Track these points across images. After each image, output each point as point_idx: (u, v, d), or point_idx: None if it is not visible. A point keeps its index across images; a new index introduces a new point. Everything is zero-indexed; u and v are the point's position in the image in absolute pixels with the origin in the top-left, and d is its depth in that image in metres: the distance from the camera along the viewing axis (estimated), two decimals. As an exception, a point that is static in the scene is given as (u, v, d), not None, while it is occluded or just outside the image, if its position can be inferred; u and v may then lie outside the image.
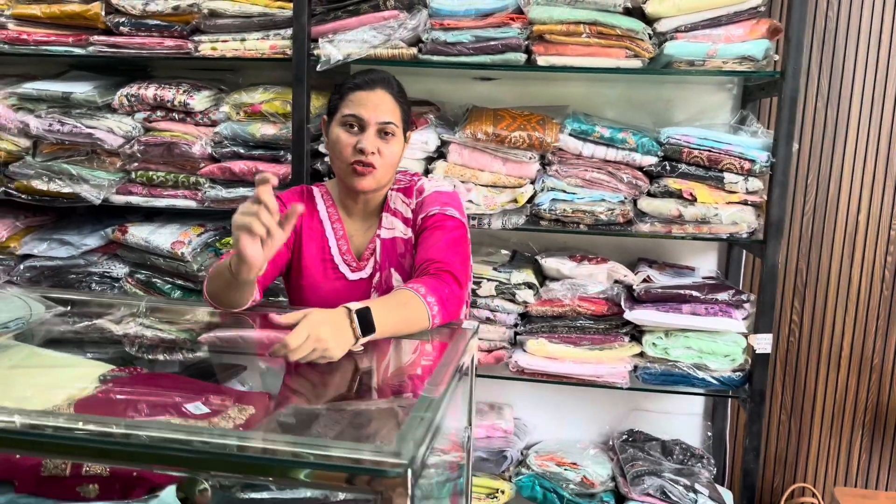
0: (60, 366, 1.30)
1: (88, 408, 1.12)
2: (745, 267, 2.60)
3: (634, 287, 2.31)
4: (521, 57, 2.21)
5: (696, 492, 2.27)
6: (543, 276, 2.47)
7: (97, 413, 1.11)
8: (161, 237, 2.39)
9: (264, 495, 1.13)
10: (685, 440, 2.55)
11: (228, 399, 1.18)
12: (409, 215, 1.65)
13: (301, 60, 2.24)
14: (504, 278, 2.36)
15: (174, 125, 2.37)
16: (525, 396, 2.69)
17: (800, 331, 2.65)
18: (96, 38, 2.36)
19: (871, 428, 2.65)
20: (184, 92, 2.34)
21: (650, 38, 2.19)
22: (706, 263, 2.60)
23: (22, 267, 2.47)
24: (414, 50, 2.24)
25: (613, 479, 2.42)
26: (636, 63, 2.19)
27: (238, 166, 2.32)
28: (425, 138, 2.31)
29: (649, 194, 2.29)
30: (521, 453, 2.55)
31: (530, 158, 2.30)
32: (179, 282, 2.44)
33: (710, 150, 2.21)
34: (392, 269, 1.63)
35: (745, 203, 2.23)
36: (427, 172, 2.35)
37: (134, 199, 2.43)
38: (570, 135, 2.27)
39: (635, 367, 2.33)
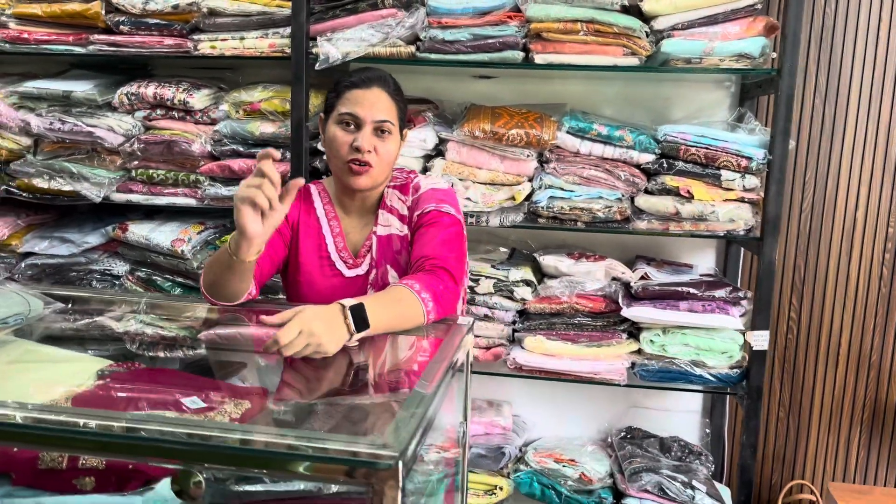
0: (58, 361, 1.31)
1: (86, 402, 1.14)
2: (744, 264, 2.61)
3: (632, 284, 2.32)
4: (518, 55, 2.22)
5: (693, 488, 2.28)
6: (542, 274, 2.47)
7: (94, 407, 1.12)
8: (161, 235, 2.40)
9: (258, 488, 1.14)
10: (684, 437, 2.56)
11: (224, 394, 1.19)
12: (406, 212, 1.66)
13: (299, 59, 2.25)
14: (502, 276, 2.37)
15: (174, 123, 2.39)
16: (524, 394, 2.70)
17: (798, 328, 2.66)
18: (96, 36, 2.37)
19: (870, 425, 2.66)
20: (183, 90, 2.36)
21: (647, 35, 2.19)
22: (704, 261, 2.61)
23: (23, 265, 2.49)
24: (412, 48, 2.25)
25: (611, 475, 2.43)
26: (633, 61, 2.20)
27: (237, 164, 2.34)
28: (423, 136, 2.32)
29: (646, 192, 2.30)
30: (520, 450, 2.56)
31: (528, 156, 2.31)
32: (180, 279, 2.45)
33: (707, 148, 2.21)
34: (388, 266, 1.64)
35: (741, 200, 2.24)
36: (425, 170, 2.36)
37: (134, 198, 2.44)
38: (568, 132, 2.28)
39: (633, 364, 2.34)
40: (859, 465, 2.69)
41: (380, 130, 1.58)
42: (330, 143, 1.60)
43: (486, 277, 2.37)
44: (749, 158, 2.19)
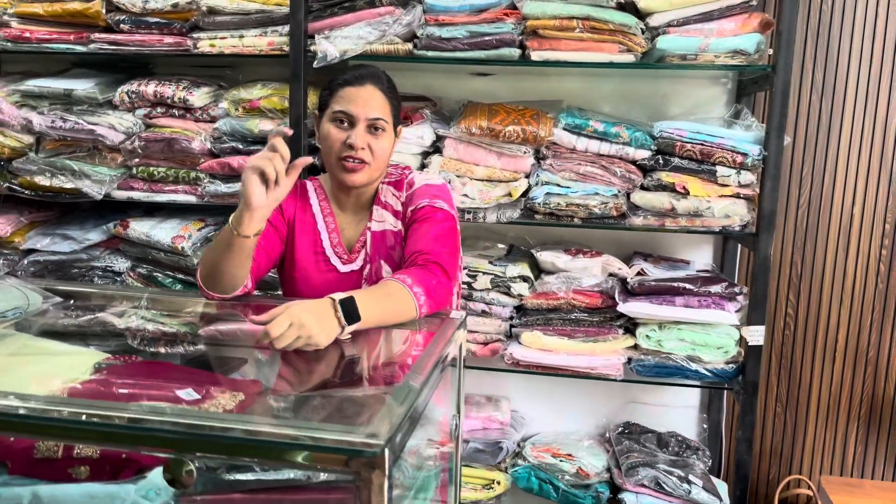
0: (56, 354, 1.33)
1: (83, 394, 1.16)
2: (740, 260, 2.62)
3: (628, 280, 2.33)
4: (515, 52, 2.23)
5: (690, 483, 2.29)
6: (539, 270, 2.49)
7: (91, 399, 1.14)
8: (162, 232, 2.42)
9: (248, 476, 1.16)
10: (681, 433, 2.57)
11: (219, 386, 1.21)
12: (400, 208, 1.68)
13: (298, 57, 2.27)
14: (499, 272, 2.39)
15: (174, 121, 2.41)
16: (523, 389, 2.71)
17: (795, 323, 2.67)
18: (97, 35, 2.40)
19: (867, 420, 2.67)
20: (183, 88, 2.38)
21: (643, 32, 2.20)
22: (701, 257, 2.61)
23: (26, 261, 2.52)
24: (409, 46, 2.27)
25: (608, 470, 2.44)
26: (629, 58, 2.21)
27: (237, 161, 2.36)
28: (421, 133, 2.34)
29: (642, 188, 2.31)
30: (518, 445, 2.57)
31: (525, 153, 2.32)
32: (180, 276, 2.48)
33: (702, 144, 2.22)
34: (382, 262, 1.66)
35: (737, 196, 2.25)
36: (423, 167, 2.38)
37: (135, 195, 2.47)
38: (564, 129, 2.29)
39: (629, 360, 2.35)
40: (856, 461, 2.69)
41: (373, 128, 1.59)
42: (324, 140, 1.62)
43: (484, 273, 2.39)
44: (744, 154, 2.19)
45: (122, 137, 2.40)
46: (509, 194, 2.32)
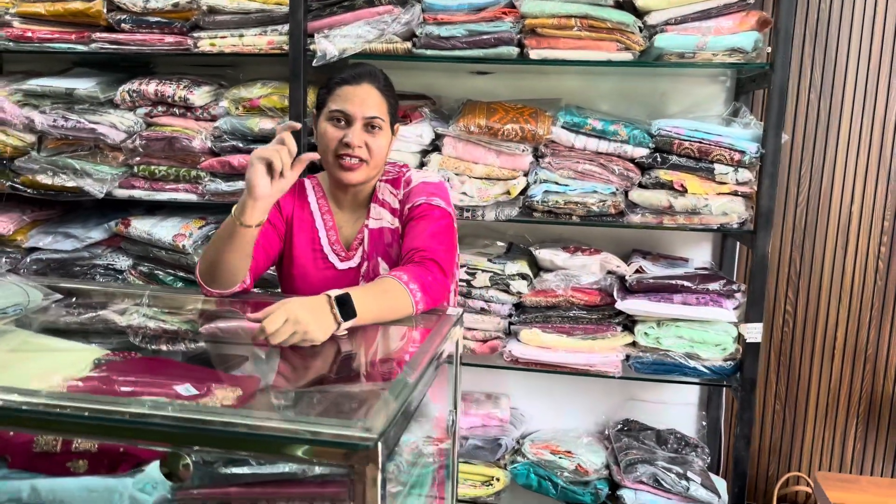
0: (56, 350, 1.35)
1: (82, 390, 1.17)
2: (739, 258, 2.62)
3: (627, 277, 2.34)
4: (513, 51, 2.24)
5: (688, 479, 2.30)
6: (538, 268, 2.50)
7: (90, 394, 1.15)
8: (163, 230, 2.44)
9: (245, 470, 1.17)
10: (680, 430, 2.58)
11: (217, 381, 1.22)
12: (397, 206, 1.69)
13: (297, 56, 2.28)
14: (499, 269, 2.40)
15: (175, 120, 2.43)
16: (522, 386, 2.72)
17: (793, 321, 2.67)
18: (98, 35, 2.41)
19: (865, 417, 2.67)
20: (184, 87, 2.39)
21: (641, 31, 2.21)
22: (700, 255, 2.62)
23: (28, 260, 2.53)
24: (408, 44, 2.28)
25: (607, 467, 2.45)
26: (627, 56, 2.22)
27: (237, 160, 2.37)
28: (420, 131, 2.35)
29: (641, 186, 2.31)
30: (517, 442, 2.58)
31: (523, 151, 2.33)
32: (181, 273, 2.49)
33: (700, 142, 2.23)
34: (380, 259, 1.67)
35: (735, 194, 2.25)
36: (422, 165, 2.39)
37: (136, 193, 2.48)
38: (563, 127, 2.30)
39: (627, 357, 2.36)
40: (855, 457, 2.70)
41: (370, 126, 1.60)
42: (321, 138, 1.63)
43: (483, 271, 2.40)
44: (742, 152, 2.20)
45: (123, 136, 2.42)
46: (508, 192, 2.33)
